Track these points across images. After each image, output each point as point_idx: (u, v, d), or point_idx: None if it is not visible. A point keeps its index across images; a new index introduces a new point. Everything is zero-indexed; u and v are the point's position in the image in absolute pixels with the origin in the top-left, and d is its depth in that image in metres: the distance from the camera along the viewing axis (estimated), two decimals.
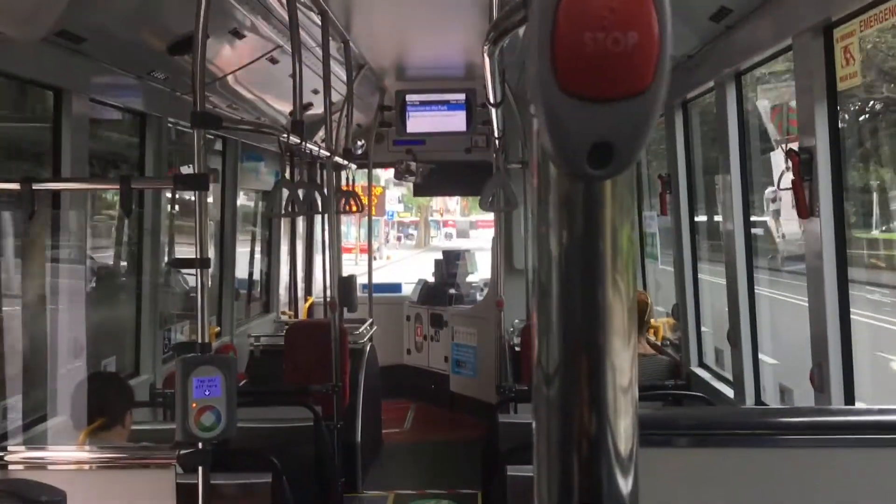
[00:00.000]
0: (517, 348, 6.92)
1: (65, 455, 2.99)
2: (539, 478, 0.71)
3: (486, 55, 2.11)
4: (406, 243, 47.62)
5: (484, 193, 6.59)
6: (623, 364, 0.68)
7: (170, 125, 5.32)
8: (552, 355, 0.69)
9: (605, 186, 0.65)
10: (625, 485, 0.69)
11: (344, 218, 11.42)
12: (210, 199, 5.92)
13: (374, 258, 9.79)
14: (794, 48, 3.42)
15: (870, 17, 2.95)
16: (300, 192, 4.97)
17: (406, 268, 24.04)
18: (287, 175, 7.99)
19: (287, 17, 4.30)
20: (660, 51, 0.58)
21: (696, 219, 5.46)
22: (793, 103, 3.63)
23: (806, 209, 3.34)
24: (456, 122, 8.30)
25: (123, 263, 5.53)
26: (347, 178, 7.29)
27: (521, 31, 0.91)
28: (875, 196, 4.84)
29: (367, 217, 8.46)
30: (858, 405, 3.31)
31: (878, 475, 2.20)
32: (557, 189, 0.66)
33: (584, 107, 0.59)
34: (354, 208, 7.07)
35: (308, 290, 9.44)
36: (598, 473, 0.68)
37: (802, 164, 3.32)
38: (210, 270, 3.07)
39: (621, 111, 0.59)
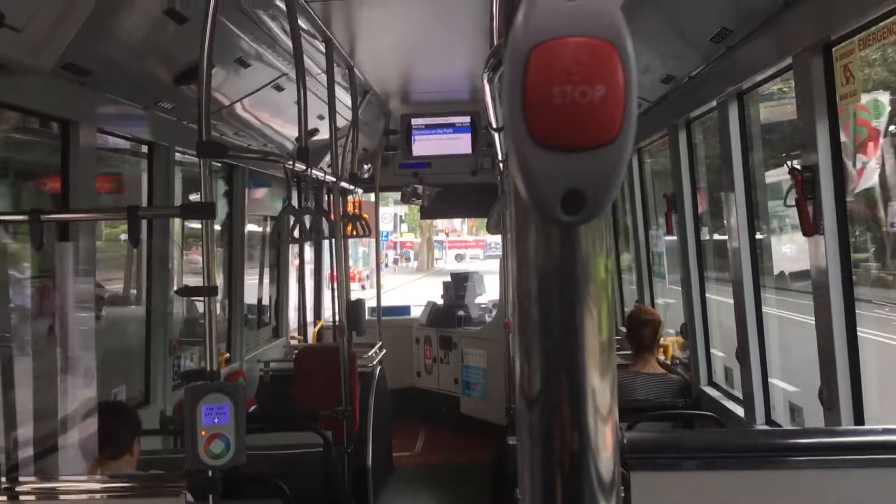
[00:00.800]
0: None
1: (76, 485, 2.99)
2: (524, 501, 0.72)
3: (485, 81, 2.12)
4: (404, 266, 42.99)
5: (490, 216, 6.60)
6: (601, 386, 0.70)
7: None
8: (533, 380, 0.71)
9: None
10: None
11: None
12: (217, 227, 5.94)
13: (363, 287, 9.79)
14: (795, 67, 3.43)
15: (868, 36, 2.97)
16: (307, 218, 5.00)
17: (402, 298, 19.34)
18: (294, 200, 8.07)
19: (292, 46, 4.33)
20: (626, 102, 0.60)
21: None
22: (864, 99, 3.37)
23: (810, 227, 3.35)
24: (461, 144, 8.33)
25: (133, 291, 5.55)
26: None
27: None
28: None
29: (366, 239, 8.47)
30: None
31: (890, 495, 2.18)
32: (534, 223, 0.69)
33: (555, 156, 0.61)
34: (361, 233, 7.09)
35: (317, 315, 9.44)
36: (580, 495, 0.70)
37: (805, 182, 3.33)
38: (219, 297, 3.08)
39: (591, 160, 0.61)
